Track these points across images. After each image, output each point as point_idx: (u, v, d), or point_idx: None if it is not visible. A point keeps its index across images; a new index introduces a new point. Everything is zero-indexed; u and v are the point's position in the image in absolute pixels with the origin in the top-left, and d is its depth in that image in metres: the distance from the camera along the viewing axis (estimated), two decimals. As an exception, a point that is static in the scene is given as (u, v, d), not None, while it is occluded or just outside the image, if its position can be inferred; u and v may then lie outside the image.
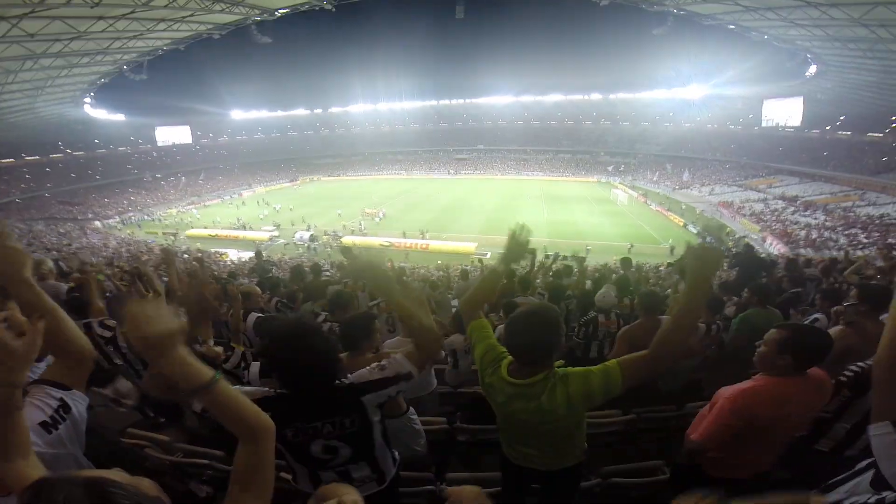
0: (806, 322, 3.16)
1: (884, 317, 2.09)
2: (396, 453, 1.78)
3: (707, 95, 52.46)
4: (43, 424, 1.15)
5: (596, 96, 64.66)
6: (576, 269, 7.22)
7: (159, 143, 60.73)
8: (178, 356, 0.92)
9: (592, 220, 31.98)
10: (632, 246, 23.16)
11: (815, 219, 27.06)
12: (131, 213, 40.21)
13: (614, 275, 7.75)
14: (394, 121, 75.82)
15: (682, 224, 30.64)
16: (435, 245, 25.23)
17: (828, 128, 41.56)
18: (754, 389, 1.75)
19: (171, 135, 61.80)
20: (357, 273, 1.65)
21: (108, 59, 24.97)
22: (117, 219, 38.06)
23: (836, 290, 3.93)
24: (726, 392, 1.81)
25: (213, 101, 65.41)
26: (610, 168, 56.53)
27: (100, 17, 16.85)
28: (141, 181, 52.02)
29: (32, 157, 46.35)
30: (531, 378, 1.57)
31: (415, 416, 2.46)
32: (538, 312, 1.59)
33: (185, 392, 0.95)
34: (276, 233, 29.59)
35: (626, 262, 7.44)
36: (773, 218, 29.03)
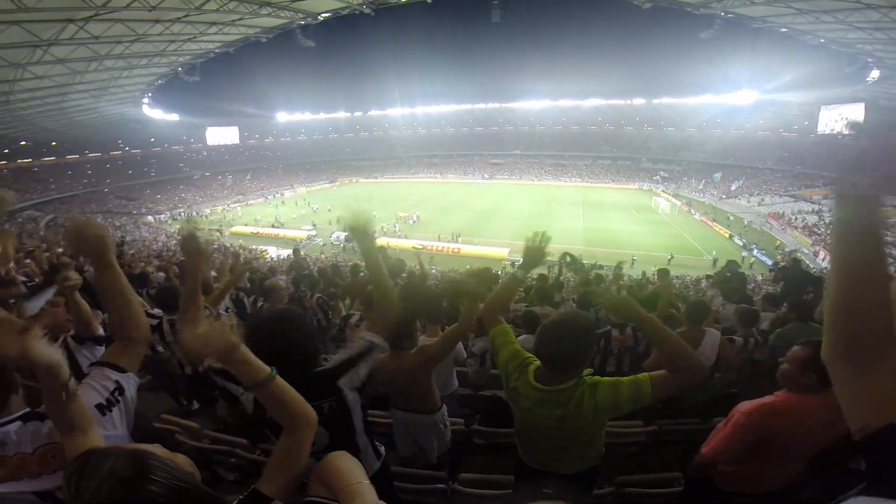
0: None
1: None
2: (382, 448, 1.78)
3: (758, 101, 49.91)
4: (98, 407, 1.21)
5: (639, 101, 62.96)
6: (609, 278, 7.06)
7: (209, 143, 63.97)
8: (238, 358, 1.05)
9: (632, 228, 31.02)
10: (672, 257, 22.31)
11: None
12: (181, 209, 42.62)
13: (650, 285, 7.51)
14: (430, 124, 76.69)
15: (727, 235, 29.22)
16: (467, 249, 25.25)
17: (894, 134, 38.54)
18: (773, 405, 1.72)
19: (221, 135, 64.96)
20: (353, 232, 1.70)
21: (165, 60, 26.52)
22: (168, 214, 40.46)
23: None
24: (743, 406, 1.77)
25: (259, 104, 68.53)
26: (654, 176, 54.61)
27: (157, 21, 17.97)
28: (191, 179, 55.04)
29: (95, 154, 49.81)
30: (560, 385, 1.57)
31: (446, 415, 2.53)
32: (572, 321, 1.58)
33: (246, 387, 1.07)
34: (313, 232, 30.56)
35: (663, 272, 7.21)
36: (828, 231, 27.11)
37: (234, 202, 47.27)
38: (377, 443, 1.76)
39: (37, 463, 1.12)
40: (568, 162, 62.98)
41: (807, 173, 41.05)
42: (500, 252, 24.05)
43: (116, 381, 1.29)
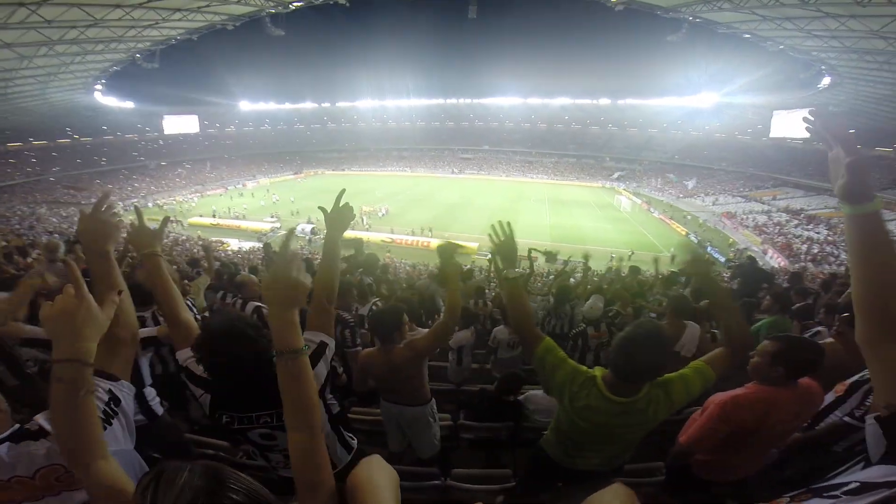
0: (808, 334, 3.21)
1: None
2: (354, 441, 1.78)
3: (717, 104, 52.23)
4: None
5: (604, 101, 64.52)
6: (578, 273, 7.28)
7: (166, 132, 60.66)
8: (294, 315, 1.05)
9: (595, 225, 32.00)
10: (632, 253, 23.15)
11: (818, 233, 27.01)
12: (134, 200, 40.28)
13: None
14: (400, 118, 75.80)
15: (684, 233, 30.64)
16: (436, 243, 25.24)
17: None
18: (744, 396, 1.81)
19: (179, 124, 61.72)
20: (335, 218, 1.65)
21: (122, 47, 24.96)
22: (120, 205, 38.09)
23: (838, 303, 3.96)
24: (717, 398, 1.87)
25: (221, 92, 65.60)
26: (615, 174, 56.45)
27: (117, 6, 16.90)
28: (146, 168, 52.03)
29: (40, 142, 46.30)
30: (639, 394, 1.57)
31: (435, 408, 2.54)
32: (654, 333, 1.55)
33: (278, 351, 1.02)
34: (277, 224, 29.64)
35: (634, 270, 7.54)
36: (776, 231, 29.00)
37: (193, 192, 45.12)
38: (350, 435, 1.76)
39: (39, 487, 1.03)
40: (535, 159, 64.12)
41: (758, 175, 43.66)
42: (470, 245, 24.21)
43: (109, 391, 1.17)
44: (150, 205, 38.47)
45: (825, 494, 0.83)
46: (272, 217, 31.56)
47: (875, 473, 0.83)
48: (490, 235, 1.81)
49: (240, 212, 33.42)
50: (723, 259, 21.89)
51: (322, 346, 1.52)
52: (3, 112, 32.84)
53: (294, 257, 1.10)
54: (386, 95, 74.36)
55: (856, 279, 0.92)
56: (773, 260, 23.29)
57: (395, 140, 71.04)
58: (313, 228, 26.72)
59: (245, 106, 71.17)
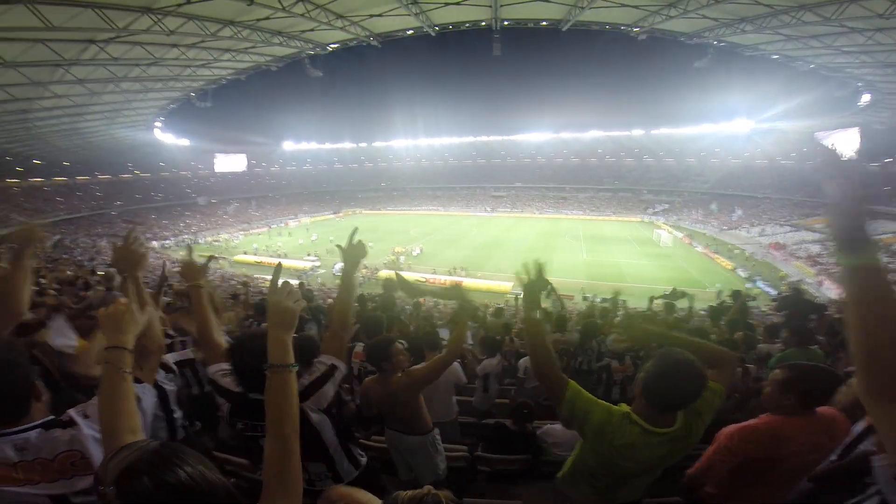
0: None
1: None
2: (364, 458, 1.87)
3: (754, 129, 50.76)
4: None
5: (637, 132, 64.30)
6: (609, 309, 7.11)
7: (217, 170, 65.03)
8: (286, 335, 1.22)
9: (634, 261, 30.97)
10: (674, 290, 22.17)
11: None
12: (186, 236, 42.95)
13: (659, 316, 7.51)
14: (432, 156, 78.16)
15: (730, 268, 29.15)
16: (469, 283, 25.20)
17: (889, 160, 38.42)
18: (754, 428, 1.76)
19: (229, 162, 66.18)
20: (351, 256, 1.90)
21: (179, 85, 27.21)
22: (172, 241, 40.77)
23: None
24: (727, 430, 1.82)
25: (266, 132, 71.82)
26: (654, 207, 55.10)
27: (174, 45, 18.58)
28: (196, 205, 55.59)
29: (105, 176, 50.78)
30: (679, 423, 1.58)
31: (438, 438, 2.56)
32: (688, 361, 1.52)
33: (268, 365, 1.18)
34: (317, 262, 30.65)
35: (669, 306, 7.31)
36: (832, 261, 27.04)
37: (239, 230, 47.77)
38: (360, 452, 1.87)
39: (56, 469, 1.16)
40: (569, 194, 63.49)
41: (806, 202, 41.23)
42: (503, 285, 24.02)
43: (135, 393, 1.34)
44: (200, 241, 40.88)
45: None
46: (312, 256, 32.73)
47: None
48: (518, 275, 1.81)
49: (278, 250, 34.82)
50: (773, 292, 20.60)
51: (332, 369, 1.69)
52: (74, 146, 36.37)
53: (287, 288, 1.29)
54: (418, 134, 77.49)
55: (855, 334, 0.82)
56: (830, 291, 21.67)
57: (428, 179, 72.81)
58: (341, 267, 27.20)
59: (288, 146, 75.93)
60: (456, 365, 3.35)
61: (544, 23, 22.28)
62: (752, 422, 1.79)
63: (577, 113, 77.41)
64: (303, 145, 77.68)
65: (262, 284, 21.91)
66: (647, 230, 44.36)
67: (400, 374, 2.44)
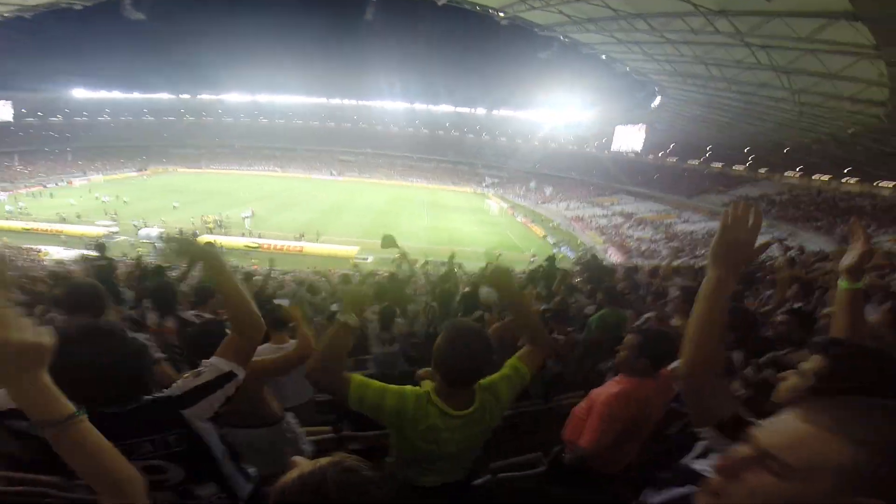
0: (640, 320, 3.66)
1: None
2: (253, 471, 1.55)
3: (574, 119, 59.05)
4: None
5: (481, 110, 68.88)
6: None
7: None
8: (40, 378, 0.73)
9: (468, 228, 34.06)
10: (500, 254, 24.95)
11: (646, 233, 32.56)
12: None
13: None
14: (274, 114, 70.44)
15: (542, 235, 34.25)
16: (311, 248, 23.85)
17: (660, 154, 50.16)
18: (626, 392, 1.89)
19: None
20: (185, 254, 1.55)
21: None
22: None
23: (661, 291, 4.67)
24: (600, 397, 1.92)
25: (53, 78, 55.58)
26: (486, 181, 60.83)
27: None
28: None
29: None
30: (475, 403, 1.48)
31: (293, 422, 2.33)
32: (477, 331, 1.48)
33: (36, 423, 0.74)
34: (115, 228, 24.82)
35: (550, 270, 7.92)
36: (614, 231, 34.17)
37: (-2, 191, 35.66)
38: (244, 465, 1.52)
39: None
40: (416, 164, 65.47)
41: (600, 184, 50.83)
42: (349, 250, 23.41)
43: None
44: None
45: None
46: (107, 220, 26.44)
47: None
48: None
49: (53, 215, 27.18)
50: (573, 255, 25.02)
51: (227, 377, 1.30)
52: None
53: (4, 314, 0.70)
54: (260, 90, 68.80)
55: (697, 321, 1.08)
56: (612, 257, 27.30)
57: (267, 138, 65.78)
58: (161, 234, 22.66)
59: (80, 93, 59.63)
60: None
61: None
62: (617, 387, 1.91)
63: (432, 86, 78.64)
64: (101, 93, 62.01)
65: (38, 256, 16.89)
66: (480, 201, 49.32)
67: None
